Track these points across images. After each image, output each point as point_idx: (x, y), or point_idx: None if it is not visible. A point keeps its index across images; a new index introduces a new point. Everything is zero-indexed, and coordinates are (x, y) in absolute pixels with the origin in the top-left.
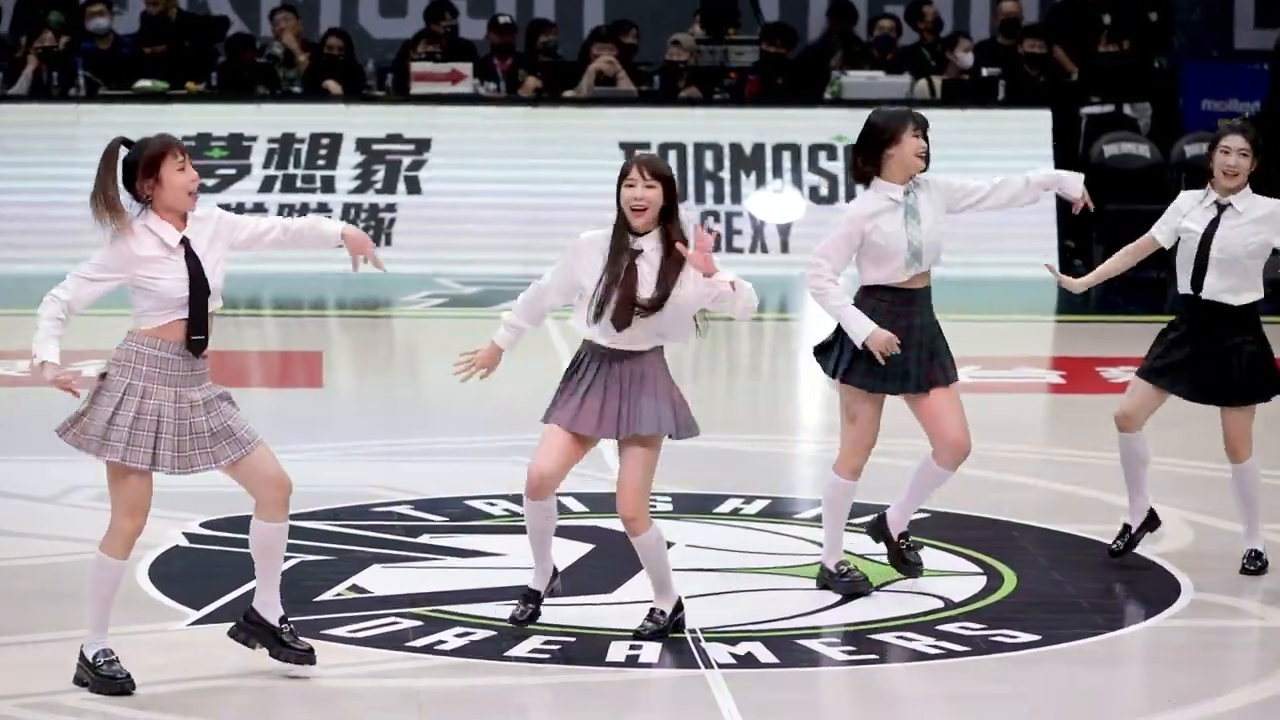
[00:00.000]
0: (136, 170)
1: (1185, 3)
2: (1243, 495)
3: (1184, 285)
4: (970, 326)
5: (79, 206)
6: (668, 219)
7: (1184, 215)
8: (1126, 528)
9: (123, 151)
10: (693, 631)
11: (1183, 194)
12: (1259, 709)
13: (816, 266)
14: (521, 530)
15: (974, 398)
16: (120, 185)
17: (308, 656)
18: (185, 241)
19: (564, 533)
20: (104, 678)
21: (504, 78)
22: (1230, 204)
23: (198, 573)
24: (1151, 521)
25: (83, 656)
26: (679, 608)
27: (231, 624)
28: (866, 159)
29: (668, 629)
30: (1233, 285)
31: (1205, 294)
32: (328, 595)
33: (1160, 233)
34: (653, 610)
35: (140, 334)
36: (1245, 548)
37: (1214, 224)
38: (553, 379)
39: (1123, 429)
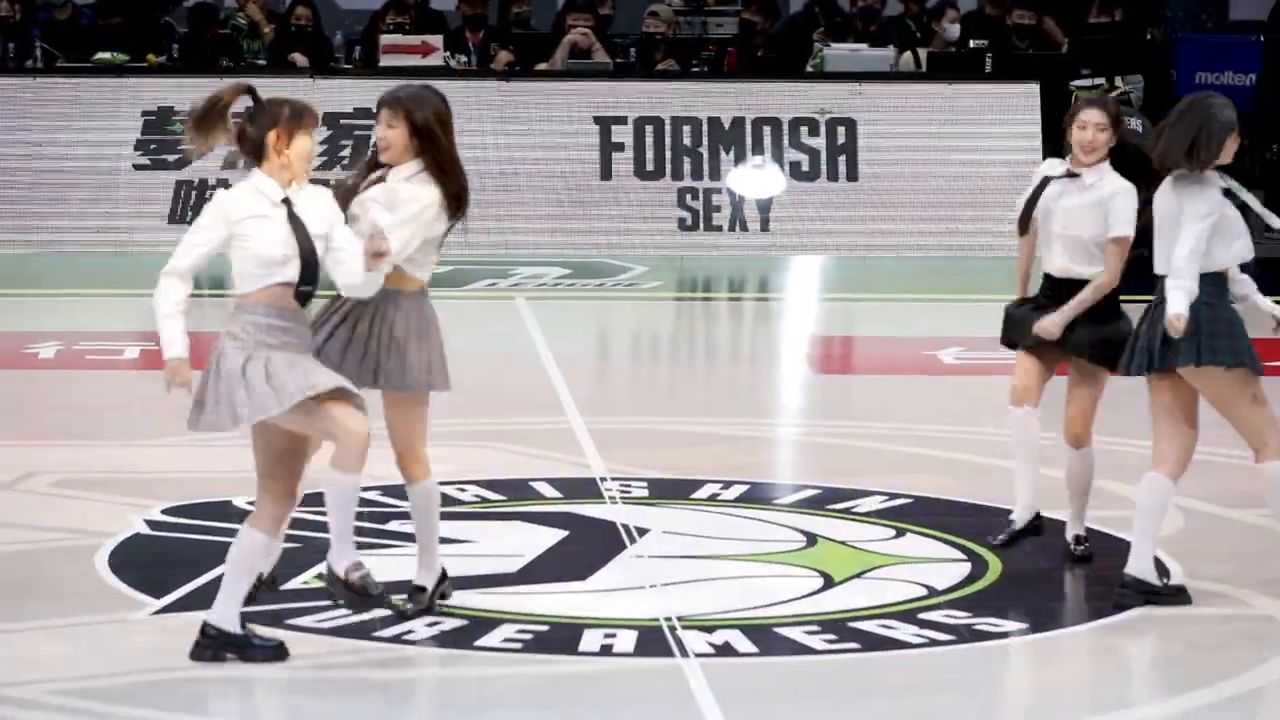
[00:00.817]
0: (276, 122)
1: None
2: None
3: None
4: (956, 307)
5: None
6: None
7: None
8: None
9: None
10: (669, 620)
11: (1045, 162)
12: (1250, 697)
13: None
14: (492, 516)
15: (961, 380)
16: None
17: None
18: (287, 200)
19: (537, 519)
20: (356, 591)
21: (475, 51)
22: (1080, 176)
23: (159, 561)
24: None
25: (332, 573)
26: (442, 579)
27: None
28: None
29: (431, 607)
30: (1080, 260)
31: (1056, 272)
32: (295, 584)
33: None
34: (413, 590)
35: (248, 303)
36: (1073, 533)
37: (1058, 199)
38: (524, 361)
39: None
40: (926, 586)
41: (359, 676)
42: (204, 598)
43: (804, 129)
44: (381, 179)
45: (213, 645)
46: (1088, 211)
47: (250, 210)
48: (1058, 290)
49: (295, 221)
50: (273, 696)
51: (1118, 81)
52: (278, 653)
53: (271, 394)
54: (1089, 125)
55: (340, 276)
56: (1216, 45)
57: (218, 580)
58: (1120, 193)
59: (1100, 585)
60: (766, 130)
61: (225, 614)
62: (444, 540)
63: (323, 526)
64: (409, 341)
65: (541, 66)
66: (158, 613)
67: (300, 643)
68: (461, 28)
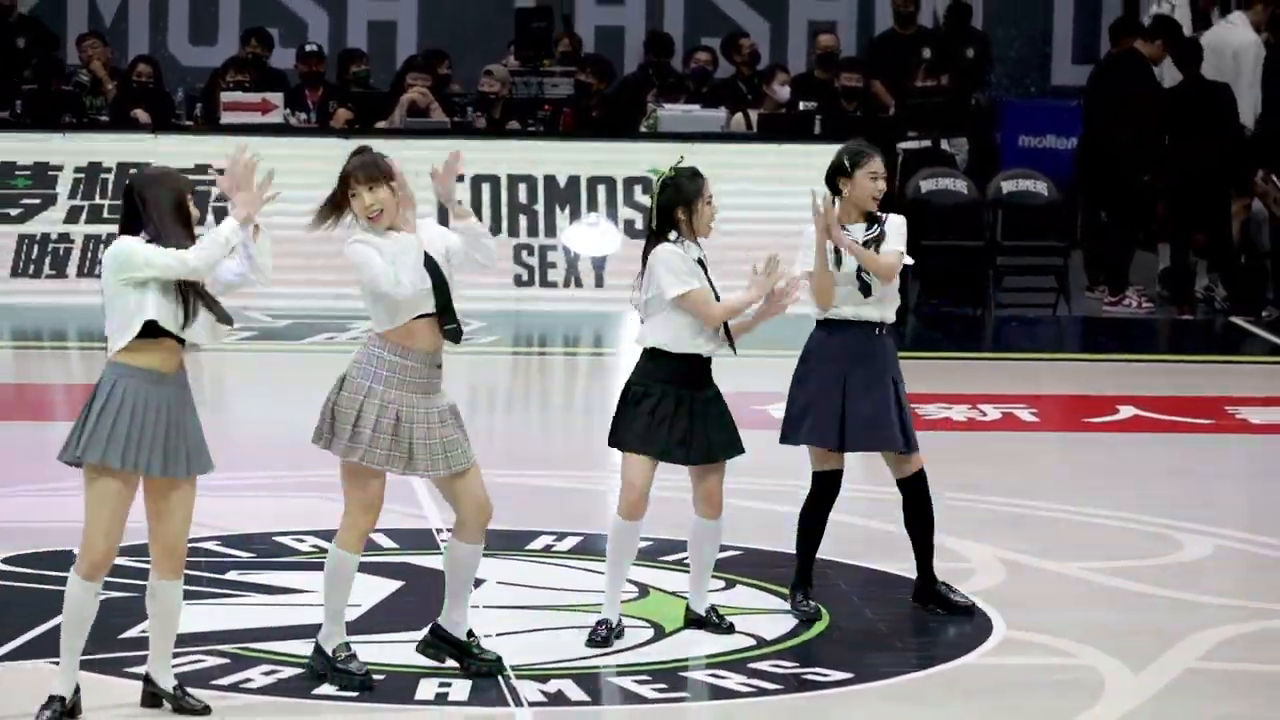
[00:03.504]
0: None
1: (1004, 38)
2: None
3: None
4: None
5: None
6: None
7: None
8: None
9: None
10: (503, 670)
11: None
12: None
13: None
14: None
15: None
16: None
17: (496, 665)
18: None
19: (373, 569)
20: (341, 671)
21: (314, 108)
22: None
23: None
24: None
25: (319, 651)
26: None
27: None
28: None
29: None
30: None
31: None
32: (132, 632)
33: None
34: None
35: (379, 338)
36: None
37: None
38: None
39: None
40: (755, 637)
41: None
42: (42, 646)
43: (638, 187)
44: None
45: (436, 645)
46: None
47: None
48: None
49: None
50: None
51: (943, 144)
52: (493, 665)
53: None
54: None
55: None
56: (1038, 110)
57: (57, 628)
58: None
59: (924, 635)
60: (601, 188)
61: (456, 619)
62: (282, 590)
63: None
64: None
65: (380, 124)
66: None
67: (137, 691)
68: (300, 86)
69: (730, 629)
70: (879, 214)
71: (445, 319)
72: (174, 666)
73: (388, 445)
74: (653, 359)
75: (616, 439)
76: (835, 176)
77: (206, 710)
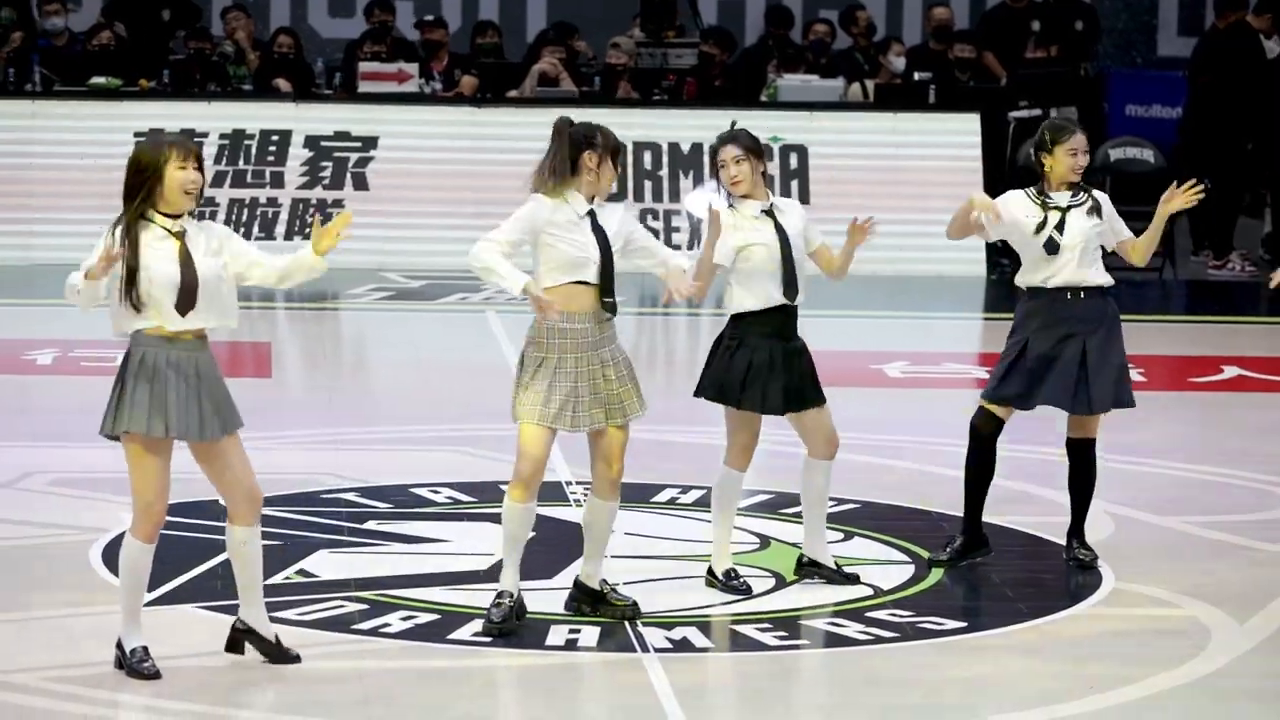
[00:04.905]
0: (593, 148)
1: (1111, 10)
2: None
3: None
4: (899, 323)
5: (37, 198)
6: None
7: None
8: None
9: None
10: (639, 614)
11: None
12: (1176, 695)
13: None
14: (464, 517)
15: (902, 393)
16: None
17: (632, 609)
18: (592, 213)
19: None
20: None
21: (440, 77)
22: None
23: None
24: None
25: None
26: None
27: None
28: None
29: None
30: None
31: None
32: (276, 579)
33: None
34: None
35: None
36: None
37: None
38: (494, 370)
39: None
40: (873, 587)
41: (337, 667)
42: (190, 591)
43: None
44: None
45: (576, 598)
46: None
47: (562, 217)
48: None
49: (599, 230)
50: (254, 685)
51: (1052, 112)
52: (628, 610)
53: None
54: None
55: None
56: (1145, 79)
57: (206, 574)
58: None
59: (1035, 587)
60: None
61: (591, 571)
62: (418, 539)
63: (303, 525)
64: None
65: (511, 93)
66: (147, 605)
67: (282, 635)
68: (427, 56)
69: (854, 579)
70: (1082, 184)
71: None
72: (315, 611)
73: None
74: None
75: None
76: (1038, 153)
77: (297, 659)
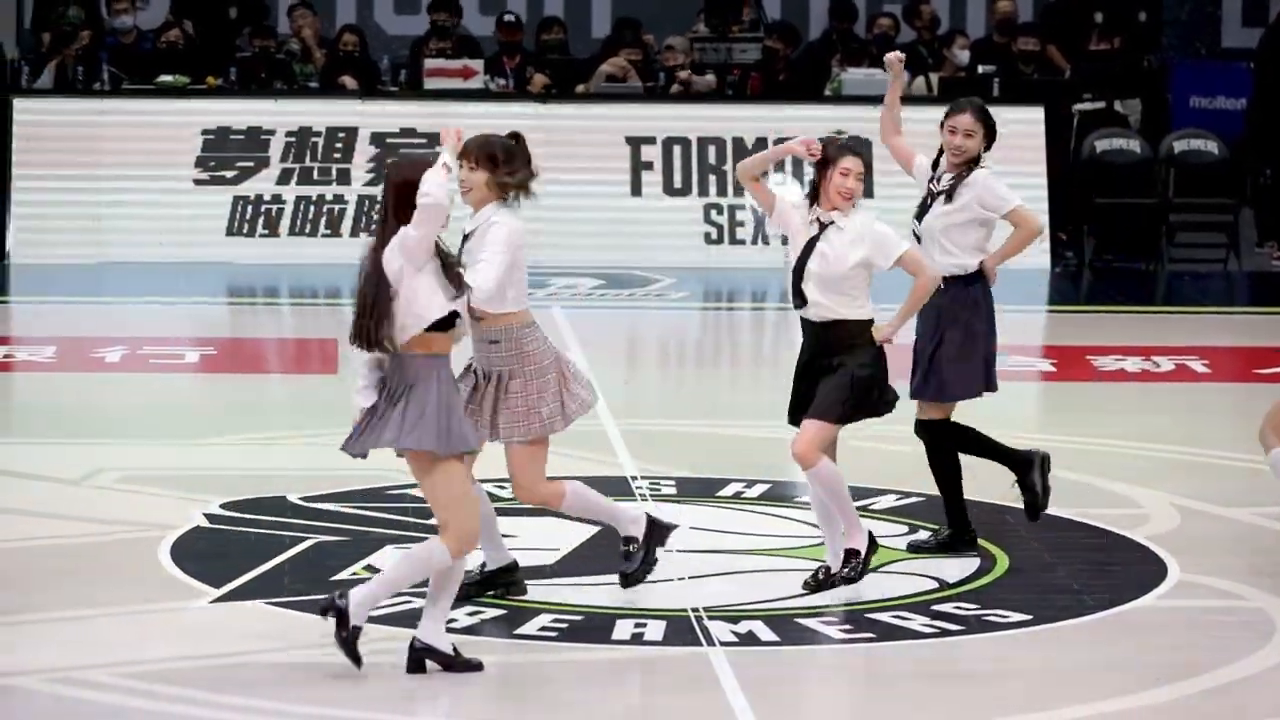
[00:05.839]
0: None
1: (1174, 2)
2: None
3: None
4: None
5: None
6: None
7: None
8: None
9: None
10: (696, 610)
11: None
12: (1242, 686)
13: None
14: (531, 512)
15: None
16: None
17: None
18: (827, 224)
19: None
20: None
21: (512, 74)
22: (834, 221)
23: (217, 552)
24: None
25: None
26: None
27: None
28: None
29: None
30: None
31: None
32: (344, 574)
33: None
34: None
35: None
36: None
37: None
38: None
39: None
40: (937, 580)
41: (405, 662)
42: (259, 587)
43: None
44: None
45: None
46: (848, 247)
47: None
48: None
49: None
50: (322, 681)
51: (1117, 105)
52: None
53: None
54: (851, 173)
55: None
56: (1209, 70)
57: (273, 570)
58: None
59: (1101, 579)
60: None
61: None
62: None
63: (370, 521)
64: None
65: (579, 89)
66: (215, 601)
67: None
68: (499, 53)
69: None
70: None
71: None
72: (382, 606)
73: None
74: None
75: None
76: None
77: (480, 666)
